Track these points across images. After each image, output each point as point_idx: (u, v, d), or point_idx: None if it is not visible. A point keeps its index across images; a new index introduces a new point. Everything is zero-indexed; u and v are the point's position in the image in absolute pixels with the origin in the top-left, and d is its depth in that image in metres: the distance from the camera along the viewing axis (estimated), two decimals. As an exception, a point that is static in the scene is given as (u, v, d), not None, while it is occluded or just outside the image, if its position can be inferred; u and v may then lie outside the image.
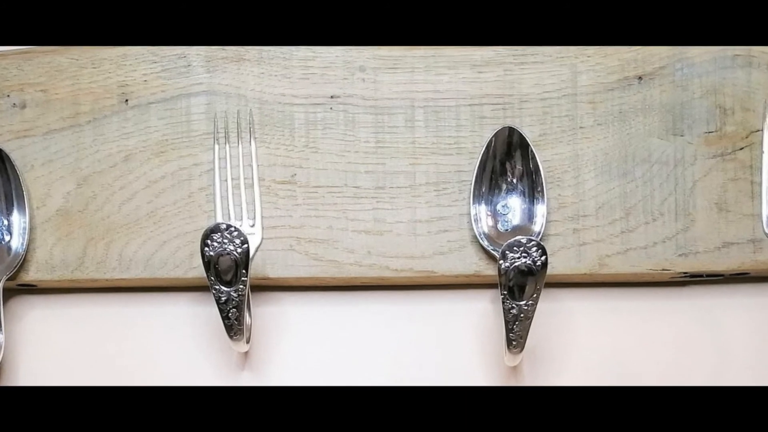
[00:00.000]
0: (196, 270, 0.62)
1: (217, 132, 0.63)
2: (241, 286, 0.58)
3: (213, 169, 0.62)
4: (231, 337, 0.59)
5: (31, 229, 0.62)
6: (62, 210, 0.63)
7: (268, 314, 0.63)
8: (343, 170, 0.62)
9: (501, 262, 0.57)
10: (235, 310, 0.58)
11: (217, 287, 0.58)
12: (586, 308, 0.63)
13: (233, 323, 0.58)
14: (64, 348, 0.63)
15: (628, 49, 0.62)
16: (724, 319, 0.63)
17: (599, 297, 0.63)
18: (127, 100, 0.63)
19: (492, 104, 0.63)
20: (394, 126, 0.63)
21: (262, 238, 0.61)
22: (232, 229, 0.58)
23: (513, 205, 0.62)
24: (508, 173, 0.62)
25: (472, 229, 0.62)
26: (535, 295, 0.57)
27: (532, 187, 0.61)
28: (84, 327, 0.63)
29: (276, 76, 0.63)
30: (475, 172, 0.62)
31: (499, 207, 0.62)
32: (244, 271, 0.58)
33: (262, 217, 0.62)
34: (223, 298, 0.58)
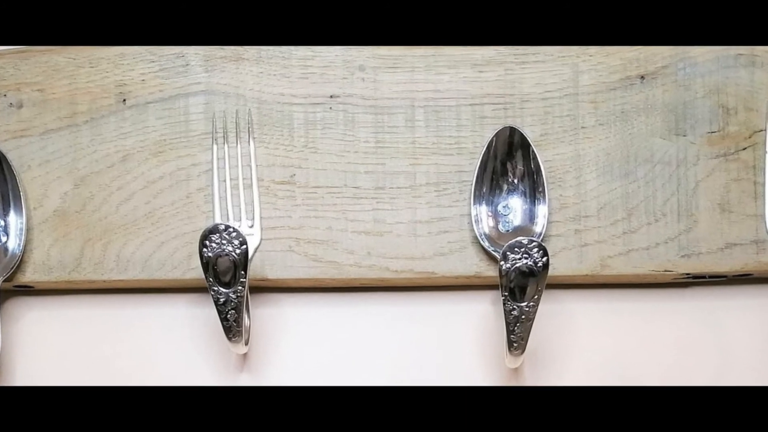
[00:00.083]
0: (195, 271, 0.61)
1: (216, 132, 0.62)
2: (240, 288, 0.58)
3: (211, 170, 0.62)
4: (230, 338, 0.59)
5: (28, 229, 0.62)
6: (59, 211, 0.62)
7: (267, 316, 0.63)
8: (342, 170, 0.62)
9: (502, 263, 0.57)
10: (233, 311, 0.58)
11: (216, 288, 0.58)
12: (588, 309, 0.63)
13: (232, 325, 0.58)
14: (62, 350, 0.63)
15: (630, 49, 0.62)
16: (727, 320, 0.62)
17: (601, 298, 0.63)
18: (124, 100, 0.63)
19: (493, 104, 0.62)
20: (394, 126, 0.62)
21: (261, 239, 0.61)
22: (231, 229, 0.57)
23: (514, 206, 0.61)
24: (509, 173, 0.62)
25: (472, 230, 0.61)
26: (536, 297, 0.57)
27: (534, 187, 0.61)
28: (81, 328, 0.63)
29: (275, 75, 0.63)
30: (476, 172, 0.61)
31: (500, 207, 0.61)
32: (242, 272, 0.57)
33: (261, 217, 0.61)
34: (221, 300, 0.58)
